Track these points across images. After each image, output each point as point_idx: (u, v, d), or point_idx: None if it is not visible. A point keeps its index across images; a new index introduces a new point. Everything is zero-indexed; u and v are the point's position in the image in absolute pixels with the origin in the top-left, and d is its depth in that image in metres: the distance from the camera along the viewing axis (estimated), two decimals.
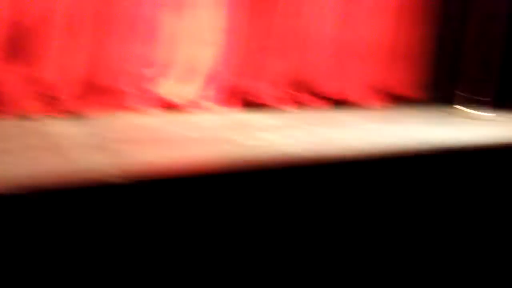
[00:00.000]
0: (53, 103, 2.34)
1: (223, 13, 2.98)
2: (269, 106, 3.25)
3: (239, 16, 3.07)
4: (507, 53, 3.24)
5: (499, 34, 2.97)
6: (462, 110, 3.07)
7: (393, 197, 1.56)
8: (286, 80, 3.38)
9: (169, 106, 2.86)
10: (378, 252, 1.50)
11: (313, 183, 1.40)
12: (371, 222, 1.50)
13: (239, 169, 1.32)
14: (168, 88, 2.91)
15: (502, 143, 1.92)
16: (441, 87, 4.25)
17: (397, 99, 4.13)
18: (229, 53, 3.08)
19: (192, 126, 2.26)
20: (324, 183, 1.41)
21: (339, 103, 3.71)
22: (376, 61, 3.94)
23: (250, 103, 3.28)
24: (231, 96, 3.20)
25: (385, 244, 1.52)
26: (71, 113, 2.21)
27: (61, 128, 1.86)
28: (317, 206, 1.40)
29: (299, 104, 3.48)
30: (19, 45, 2.37)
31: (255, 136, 1.90)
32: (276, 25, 3.24)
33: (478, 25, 3.53)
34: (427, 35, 4.10)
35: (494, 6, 3.53)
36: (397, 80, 4.10)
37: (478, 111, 3.04)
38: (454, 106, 3.46)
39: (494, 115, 3.02)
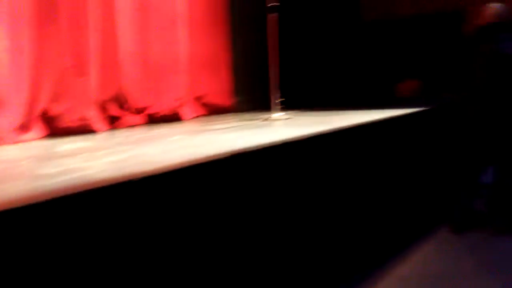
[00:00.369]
0: None
1: (4, 32, 2.71)
2: (78, 129, 3.11)
3: (26, 35, 2.84)
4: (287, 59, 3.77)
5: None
6: (268, 114, 3.40)
7: (196, 202, 1.66)
8: (95, 100, 3.27)
9: None
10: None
11: (114, 203, 1.41)
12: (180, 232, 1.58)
13: (34, 201, 1.24)
14: None
15: (294, 139, 2.19)
16: (250, 93, 4.66)
17: (211, 109, 4.38)
18: (21, 76, 2.82)
19: None
20: (125, 201, 1.43)
21: (155, 118, 3.76)
22: (188, 73, 4.09)
23: (57, 129, 3.09)
24: (32, 123, 2.96)
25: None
26: None
27: None
28: (124, 224, 1.42)
29: (112, 123, 3.42)
30: None
31: (57, 164, 1.80)
32: (75, 43, 3.10)
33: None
34: (230, 45, 4.46)
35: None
36: (209, 90, 4.34)
37: (278, 113, 3.40)
38: (262, 110, 3.80)
39: (289, 115, 3.44)
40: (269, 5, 3.13)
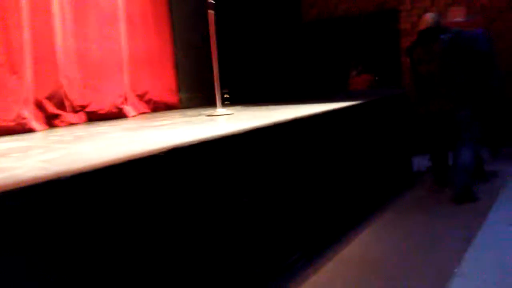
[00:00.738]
0: None
1: None
2: (15, 129, 3.00)
3: None
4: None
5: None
6: (212, 110, 3.43)
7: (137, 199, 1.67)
8: (31, 98, 3.17)
9: None
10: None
11: (43, 201, 1.40)
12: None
13: None
14: None
15: (232, 133, 2.24)
16: (195, 90, 4.67)
17: (156, 106, 4.36)
18: None
19: None
20: (54, 200, 1.42)
21: (97, 116, 3.69)
22: (130, 71, 4.05)
23: None
24: None
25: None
26: None
27: None
28: (54, 222, 1.41)
29: (51, 122, 3.33)
30: None
31: None
32: (6, 40, 2.99)
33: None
34: (172, 42, 4.44)
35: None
36: (153, 87, 4.31)
37: (222, 109, 3.44)
38: (208, 107, 3.82)
39: (232, 111, 3.49)
40: (208, 1, 3.15)
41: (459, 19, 5.73)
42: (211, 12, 3.18)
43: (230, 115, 3.28)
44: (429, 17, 3.92)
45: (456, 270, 2.28)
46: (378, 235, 3.15)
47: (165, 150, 1.80)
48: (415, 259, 2.68)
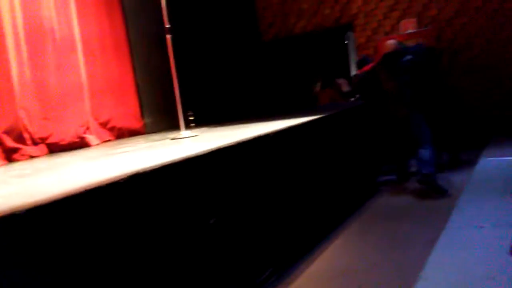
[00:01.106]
0: None
1: None
2: None
3: None
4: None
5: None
6: (177, 133, 3.44)
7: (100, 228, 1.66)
8: None
9: None
10: None
11: (5, 238, 1.37)
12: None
13: None
14: None
15: (196, 154, 2.25)
16: (159, 114, 4.67)
17: (120, 132, 4.32)
18: None
19: None
20: (10, 234, 1.40)
21: (60, 147, 3.63)
22: (91, 99, 4.02)
23: None
24: None
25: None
26: None
27: None
28: (10, 257, 1.38)
29: (11, 156, 3.25)
30: None
31: None
32: None
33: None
34: (133, 68, 4.44)
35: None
36: (116, 114, 4.28)
37: (187, 131, 3.45)
38: (173, 130, 3.82)
39: (197, 132, 3.50)
40: (164, 26, 3.19)
41: (411, 30, 5.99)
42: (168, 37, 3.21)
43: (195, 137, 3.29)
44: (391, 43, 4.52)
45: (420, 274, 2.34)
46: (346, 245, 3.20)
47: (125, 176, 1.79)
48: (382, 266, 2.73)
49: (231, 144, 2.53)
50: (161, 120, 4.58)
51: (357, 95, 5.38)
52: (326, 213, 3.47)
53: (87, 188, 1.62)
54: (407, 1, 6.08)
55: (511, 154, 4.55)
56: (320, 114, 3.70)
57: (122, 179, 1.80)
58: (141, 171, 1.87)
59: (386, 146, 4.78)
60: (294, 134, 3.20)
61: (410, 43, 5.16)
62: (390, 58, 4.34)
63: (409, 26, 6.04)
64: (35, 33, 3.54)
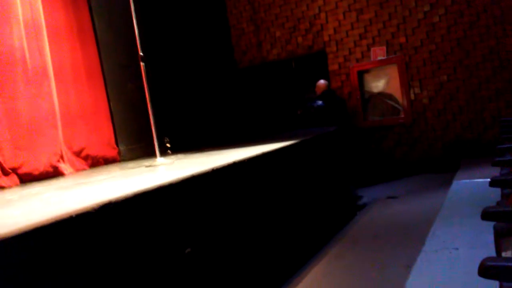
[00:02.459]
0: None
1: None
2: None
3: None
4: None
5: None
6: (153, 160, 3.41)
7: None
8: None
9: None
10: None
11: None
12: None
13: None
14: None
15: (170, 182, 2.23)
16: (134, 142, 4.63)
17: (94, 161, 4.25)
18: None
19: None
20: None
21: (32, 176, 3.54)
22: (64, 127, 3.95)
23: None
24: None
25: None
26: None
27: None
28: None
29: None
30: None
31: None
32: None
33: None
34: (107, 96, 4.42)
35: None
36: (90, 143, 4.22)
37: (162, 158, 3.43)
38: (149, 157, 3.79)
39: (173, 159, 3.49)
40: (137, 54, 3.21)
41: (381, 57, 6.18)
42: (142, 65, 3.23)
43: (170, 164, 3.27)
44: (323, 83, 6.15)
45: None
46: (324, 272, 3.19)
47: (97, 206, 1.76)
48: None
49: (206, 171, 2.52)
50: (137, 147, 4.54)
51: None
52: (304, 239, 3.46)
53: (56, 219, 1.58)
54: (377, 29, 6.30)
55: (481, 176, 4.67)
56: (295, 140, 3.74)
57: (94, 208, 1.76)
58: (113, 200, 1.85)
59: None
60: (269, 160, 3.22)
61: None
62: (326, 95, 5.92)
63: (379, 53, 6.24)
64: (5, 62, 3.48)
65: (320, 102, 5.77)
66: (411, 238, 3.48)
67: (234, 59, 7.28)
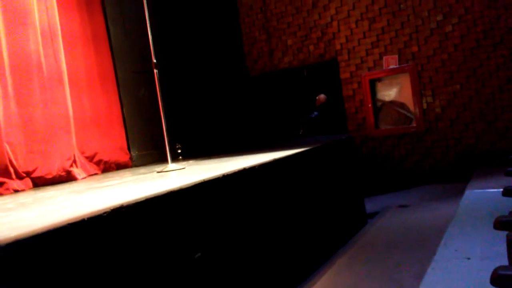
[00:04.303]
0: None
1: None
2: None
3: None
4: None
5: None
6: (164, 166, 3.44)
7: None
8: None
9: None
10: None
11: None
12: None
13: None
14: None
15: (181, 187, 2.25)
16: (146, 147, 4.67)
17: (107, 166, 4.30)
18: None
19: None
20: None
21: (45, 180, 3.59)
22: (78, 133, 4.01)
23: None
24: None
25: None
26: None
27: None
28: None
29: None
30: None
31: None
32: None
33: None
34: (120, 102, 4.47)
35: None
36: (103, 148, 4.27)
37: (174, 164, 3.45)
38: (161, 163, 3.82)
39: (184, 165, 3.52)
40: (150, 61, 3.25)
41: (393, 66, 6.17)
42: (155, 71, 3.27)
43: (182, 170, 3.29)
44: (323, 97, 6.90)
45: None
46: (333, 281, 3.17)
47: (109, 210, 1.78)
48: None
49: (216, 177, 2.54)
50: (148, 153, 4.58)
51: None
52: (315, 246, 3.45)
53: (69, 222, 1.60)
54: (389, 38, 6.30)
55: (494, 186, 4.61)
56: (306, 147, 3.74)
57: (105, 212, 1.79)
58: (125, 204, 1.87)
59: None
60: (280, 167, 3.22)
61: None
62: (322, 107, 6.65)
63: (391, 62, 6.23)
64: (22, 68, 3.56)
65: (316, 113, 6.56)
66: (422, 248, 3.44)
67: (246, 66, 7.33)
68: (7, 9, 3.51)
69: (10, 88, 3.44)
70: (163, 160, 3.57)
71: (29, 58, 3.61)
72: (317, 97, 6.85)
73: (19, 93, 3.51)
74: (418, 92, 6.17)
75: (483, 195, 4.48)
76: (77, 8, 4.23)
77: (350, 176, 4.53)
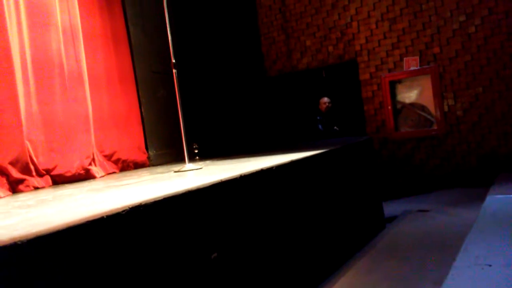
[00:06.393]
0: None
1: None
2: None
3: None
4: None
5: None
6: (182, 166, 3.45)
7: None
8: None
9: None
10: None
11: (6, 267, 1.36)
12: None
13: None
14: None
15: (204, 185, 2.25)
16: (164, 147, 4.69)
17: (125, 165, 4.33)
18: None
19: None
20: (12, 264, 1.38)
21: (64, 178, 3.64)
22: (97, 131, 4.05)
23: None
24: None
25: None
26: None
27: None
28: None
29: (16, 187, 3.25)
30: None
31: None
32: None
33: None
34: (139, 101, 4.51)
35: None
36: (121, 147, 4.30)
37: (191, 164, 3.46)
38: (178, 163, 3.83)
39: (201, 165, 3.52)
40: (169, 61, 3.26)
41: (414, 67, 6.07)
42: (174, 71, 3.28)
43: (199, 170, 3.30)
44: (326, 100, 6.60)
45: None
46: (351, 285, 3.13)
47: (127, 208, 1.79)
48: None
49: (234, 177, 2.53)
50: (166, 153, 4.60)
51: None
52: (331, 250, 3.41)
53: (89, 219, 1.61)
54: (410, 39, 6.20)
55: None
56: (324, 149, 3.70)
57: (124, 210, 1.79)
58: (143, 203, 1.87)
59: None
60: (297, 168, 3.20)
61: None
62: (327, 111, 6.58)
63: (412, 63, 6.13)
64: (43, 67, 3.61)
65: (319, 117, 6.59)
66: (442, 253, 3.37)
67: (264, 67, 7.31)
68: (31, 10, 3.57)
69: (32, 87, 3.50)
70: (180, 160, 3.58)
71: (50, 58, 3.67)
72: (320, 100, 6.64)
73: (40, 92, 3.56)
74: (439, 95, 6.07)
75: (506, 200, 4.38)
76: (98, 9, 4.29)
77: (369, 179, 4.47)
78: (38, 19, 3.62)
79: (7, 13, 3.32)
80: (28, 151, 3.39)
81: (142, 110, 4.47)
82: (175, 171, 3.34)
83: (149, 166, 4.48)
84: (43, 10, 3.66)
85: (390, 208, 4.76)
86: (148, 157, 4.52)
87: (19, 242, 1.40)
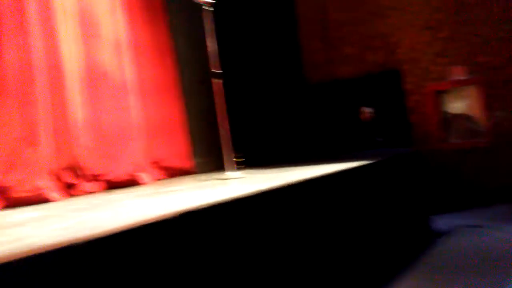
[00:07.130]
0: None
1: None
2: (32, 199, 3.07)
3: None
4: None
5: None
6: (225, 174, 3.49)
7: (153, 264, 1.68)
8: (49, 169, 3.27)
9: None
10: None
11: (58, 268, 1.42)
12: None
13: None
14: None
15: (243, 195, 2.27)
16: (208, 155, 4.76)
17: (170, 172, 4.43)
18: None
19: None
20: (68, 266, 1.44)
21: (113, 184, 3.76)
22: (144, 138, 4.17)
23: (11, 200, 3.05)
24: None
25: None
26: None
27: None
28: None
29: (69, 191, 3.40)
30: None
31: (4, 233, 1.80)
32: (24, 114, 3.15)
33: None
34: (184, 109, 4.61)
35: None
36: (167, 154, 4.41)
37: (234, 172, 3.49)
38: (222, 171, 3.88)
39: (244, 174, 3.54)
40: (212, 71, 3.33)
41: (460, 77, 5.89)
42: (217, 81, 3.34)
43: (242, 178, 3.32)
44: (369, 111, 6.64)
45: None
46: None
47: (178, 214, 1.83)
48: None
49: (279, 187, 2.53)
50: (210, 161, 4.66)
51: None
52: (375, 265, 3.33)
53: (142, 223, 1.66)
54: (455, 48, 6.02)
55: None
56: (370, 160, 3.65)
57: (174, 216, 1.83)
58: (192, 210, 1.91)
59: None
60: (344, 179, 3.16)
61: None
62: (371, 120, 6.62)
63: (458, 73, 5.95)
64: (93, 76, 3.77)
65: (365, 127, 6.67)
66: (496, 272, 3.21)
67: (304, 76, 7.26)
68: (82, 22, 3.75)
69: (84, 97, 3.66)
70: (224, 168, 3.62)
71: (99, 68, 3.83)
72: (360, 110, 6.64)
73: (90, 101, 3.71)
74: (486, 105, 5.84)
75: None
76: (143, 20, 4.43)
77: (416, 192, 4.35)
78: (89, 31, 3.79)
79: (60, 23, 3.50)
80: (80, 157, 3.53)
81: (188, 118, 4.57)
82: (220, 179, 3.38)
83: (194, 173, 4.55)
84: (93, 22, 3.83)
85: (439, 223, 4.58)
86: (193, 165, 4.60)
87: (77, 244, 1.46)
